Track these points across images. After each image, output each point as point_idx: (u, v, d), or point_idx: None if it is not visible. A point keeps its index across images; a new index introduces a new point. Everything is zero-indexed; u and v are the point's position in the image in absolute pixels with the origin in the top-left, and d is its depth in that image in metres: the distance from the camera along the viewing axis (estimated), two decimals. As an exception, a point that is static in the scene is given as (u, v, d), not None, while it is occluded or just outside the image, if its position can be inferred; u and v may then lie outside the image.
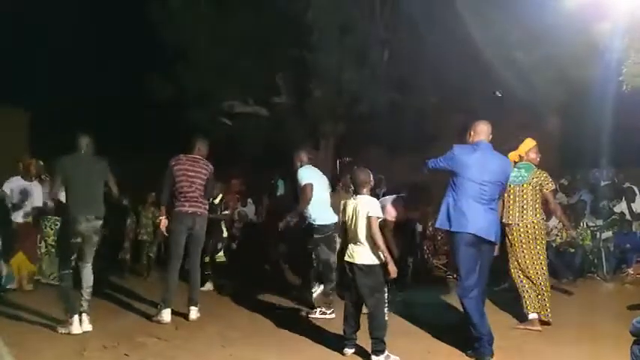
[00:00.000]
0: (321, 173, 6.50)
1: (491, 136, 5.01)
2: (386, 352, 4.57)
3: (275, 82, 11.37)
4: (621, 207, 9.26)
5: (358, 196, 4.76)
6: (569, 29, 7.64)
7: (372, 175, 4.84)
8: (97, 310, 6.32)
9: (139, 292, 7.56)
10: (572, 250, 8.53)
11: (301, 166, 6.32)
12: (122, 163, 10.91)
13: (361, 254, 4.66)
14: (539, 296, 5.76)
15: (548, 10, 7.52)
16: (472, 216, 4.74)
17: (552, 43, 8.55)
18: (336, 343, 4.98)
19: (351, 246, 4.73)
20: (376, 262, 4.64)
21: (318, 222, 6.23)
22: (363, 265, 4.63)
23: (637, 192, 9.36)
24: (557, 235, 8.83)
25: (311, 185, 6.14)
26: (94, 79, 12.57)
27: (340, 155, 12.57)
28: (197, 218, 6.09)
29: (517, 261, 5.79)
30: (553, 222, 9.07)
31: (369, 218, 4.59)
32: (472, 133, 4.99)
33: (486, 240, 4.81)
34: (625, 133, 8.64)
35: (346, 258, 4.74)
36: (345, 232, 4.86)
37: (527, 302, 5.76)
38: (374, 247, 4.62)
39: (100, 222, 5.61)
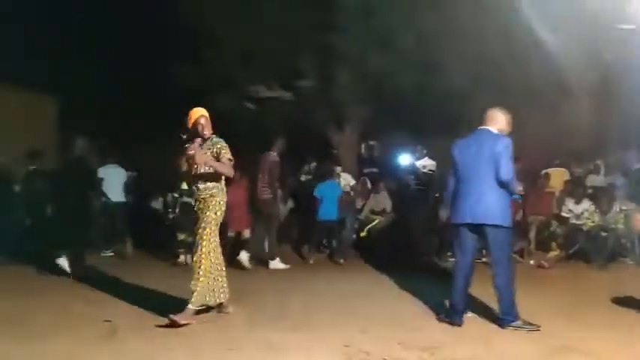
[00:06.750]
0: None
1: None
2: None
3: (300, 66, 11.31)
4: (654, 190, 9.04)
5: None
6: (600, 11, 7.47)
7: None
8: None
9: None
10: (605, 234, 8.36)
11: None
12: (148, 150, 11.00)
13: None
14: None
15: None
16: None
17: (582, 25, 8.37)
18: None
19: None
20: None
21: None
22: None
23: (670, 175, 9.14)
24: (587, 219, 8.68)
25: None
26: (120, 66, 12.60)
27: (366, 139, 12.54)
28: None
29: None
30: (584, 205, 8.91)
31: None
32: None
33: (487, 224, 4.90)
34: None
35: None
36: None
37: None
38: None
39: None
